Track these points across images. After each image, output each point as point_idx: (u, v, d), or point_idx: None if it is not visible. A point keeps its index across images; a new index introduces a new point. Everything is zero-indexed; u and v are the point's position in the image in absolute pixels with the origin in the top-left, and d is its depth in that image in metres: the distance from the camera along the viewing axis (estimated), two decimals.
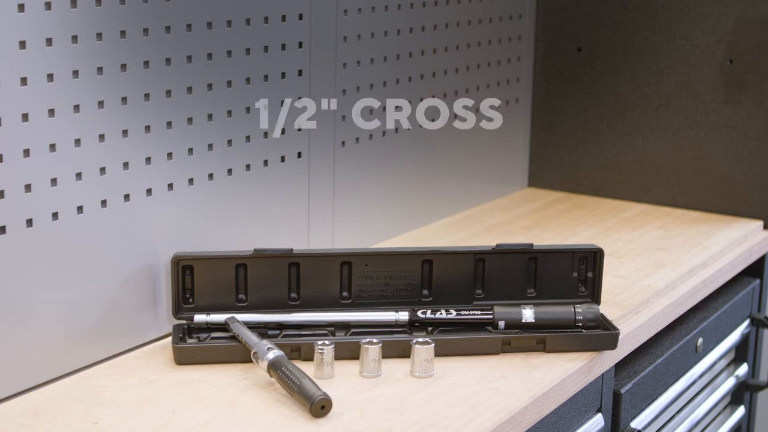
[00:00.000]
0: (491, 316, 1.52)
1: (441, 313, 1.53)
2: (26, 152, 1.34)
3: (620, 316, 1.64)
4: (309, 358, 1.45)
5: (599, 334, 1.52)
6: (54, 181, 1.38)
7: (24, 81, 1.32)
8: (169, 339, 1.50)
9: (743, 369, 2.08)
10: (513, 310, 1.52)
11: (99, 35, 1.39)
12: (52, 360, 1.41)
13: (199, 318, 1.50)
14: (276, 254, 1.54)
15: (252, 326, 1.49)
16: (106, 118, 1.43)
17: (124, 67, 1.43)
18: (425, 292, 1.59)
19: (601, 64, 2.22)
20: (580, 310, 1.53)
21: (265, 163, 1.67)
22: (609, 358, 1.56)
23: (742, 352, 2.09)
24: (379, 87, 1.87)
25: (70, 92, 1.37)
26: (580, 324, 1.52)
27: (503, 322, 1.52)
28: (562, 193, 2.28)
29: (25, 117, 1.33)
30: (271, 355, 1.39)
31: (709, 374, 1.97)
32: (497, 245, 1.59)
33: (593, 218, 2.12)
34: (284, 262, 1.55)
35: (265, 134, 1.65)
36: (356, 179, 1.86)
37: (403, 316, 1.53)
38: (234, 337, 1.47)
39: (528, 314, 1.52)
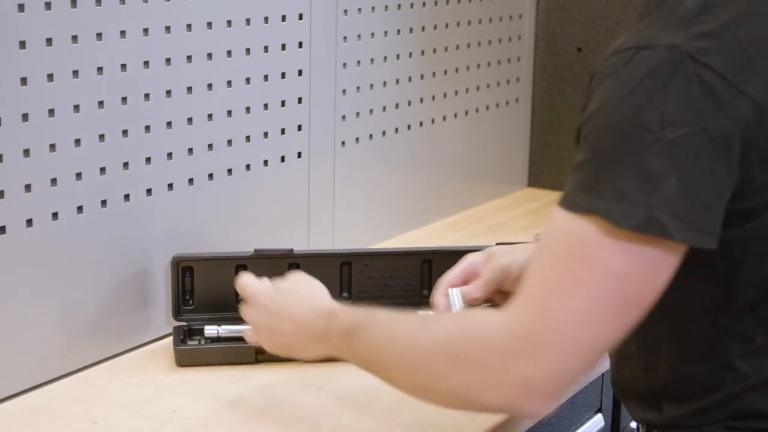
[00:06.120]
0: None
1: None
2: (26, 152, 1.34)
3: None
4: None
5: None
6: (54, 181, 1.38)
7: (24, 81, 1.32)
8: (169, 339, 1.50)
9: None
10: None
11: (99, 35, 1.39)
12: (52, 360, 1.41)
13: (210, 332, 1.48)
14: (276, 254, 1.54)
15: None
16: (106, 118, 1.42)
17: (124, 67, 1.43)
18: (425, 292, 1.58)
19: None
20: None
21: (265, 163, 1.67)
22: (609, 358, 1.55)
23: None
24: (379, 87, 1.87)
25: (70, 92, 1.37)
26: None
27: None
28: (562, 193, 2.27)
29: (25, 117, 1.33)
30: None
31: None
32: (497, 245, 1.59)
33: None
34: (284, 263, 1.54)
35: (265, 134, 1.65)
36: (356, 179, 1.85)
37: None
38: (234, 338, 1.46)
39: None
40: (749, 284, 1.08)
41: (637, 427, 1.27)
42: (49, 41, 1.34)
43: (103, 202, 1.45)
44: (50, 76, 1.35)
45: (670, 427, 1.17)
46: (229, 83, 1.58)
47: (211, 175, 1.59)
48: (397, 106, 1.92)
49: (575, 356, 1.01)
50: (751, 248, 1.07)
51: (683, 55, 1.00)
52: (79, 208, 1.42)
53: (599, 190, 1.00)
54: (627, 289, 1.01)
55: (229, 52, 1.57)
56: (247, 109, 1.62)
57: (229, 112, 1.59)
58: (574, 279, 1.01)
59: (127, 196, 1.47)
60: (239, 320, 1.48)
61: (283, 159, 1.70)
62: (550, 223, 1.04)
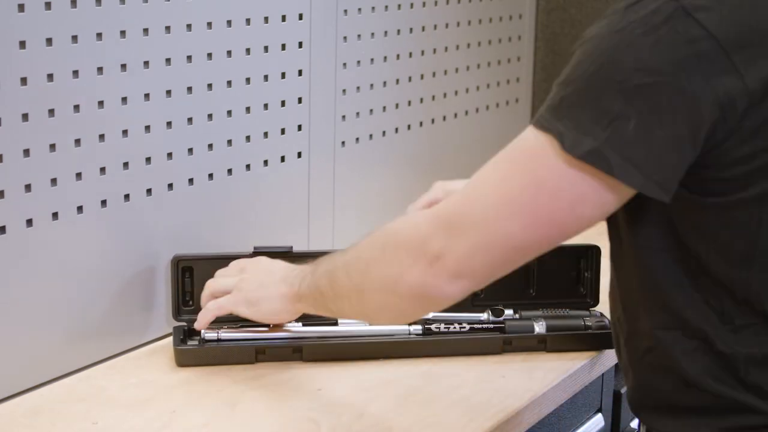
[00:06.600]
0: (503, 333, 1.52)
1: (454, 327, 1.52)
2: (26, 152, 1.34)
3: None
4: (310, 358, 1.45)
5: (599, 333, 1.52)
6: (54, 181, 1.38)
7: (24, 81, 1.32)
8: (169, 339, 1.50)
9: None
10: (525, 324, 1.52)
11: (99, 35, 1.39)
12: (52, 360, 1.41)
13: (210, 336, 1.47)
14: (275, 253, 1.53)
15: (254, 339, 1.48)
16: (106, 118, 1.42)
17: (123, 67, 1.43)
18: None
19: None
20: (590, 323, 1.53)
21: (265, 163, 1.67)
22: (609, 358, 1.56)
23: None
24: (379, 87, 1.87)
25: (71, 92, 1.37)
26: None
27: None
28: None
29: (25, 117, 1.33)
30: None
31: None
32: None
33: None
34: None
35: (265, 134, 1.65)
36: (356, 179, 1.85)
37: (417, 330, 1.51)
38: (234, 339, 1.46)
39: (540, 329, 1.52)
40: (723, 260, 1.08)
41: (638, 427, 1.27)
42: (49, 41, 1.34)
43: (103, 202, 1.45)
44: (50, 76, 1.35)
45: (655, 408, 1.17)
46: (229, 83, 1.58)
47: (211, 175, 1.59)
48: (397, 106, 1.92)
49: (482, 246, 1.08)
50: (730, 226, 1.07)
51: (678, 8, 1.02)
52: (79, 208, 1.42)
53: (560, 112, 1.05)
54: (551, 205, 1.05)
55: (229, 52, 1.57)
56: (247, 109, 1.62)
57: (229, 112, 1.59)
58: (506, 179, 1.08)
59: (127, 196, 1.47)
60: (239, 321, 1.49)
61: (283, 159, 1.70)
62: (520, 135, 1.10)
